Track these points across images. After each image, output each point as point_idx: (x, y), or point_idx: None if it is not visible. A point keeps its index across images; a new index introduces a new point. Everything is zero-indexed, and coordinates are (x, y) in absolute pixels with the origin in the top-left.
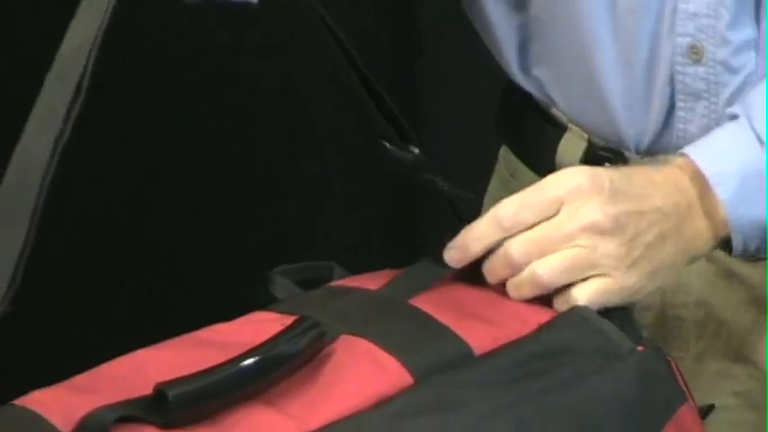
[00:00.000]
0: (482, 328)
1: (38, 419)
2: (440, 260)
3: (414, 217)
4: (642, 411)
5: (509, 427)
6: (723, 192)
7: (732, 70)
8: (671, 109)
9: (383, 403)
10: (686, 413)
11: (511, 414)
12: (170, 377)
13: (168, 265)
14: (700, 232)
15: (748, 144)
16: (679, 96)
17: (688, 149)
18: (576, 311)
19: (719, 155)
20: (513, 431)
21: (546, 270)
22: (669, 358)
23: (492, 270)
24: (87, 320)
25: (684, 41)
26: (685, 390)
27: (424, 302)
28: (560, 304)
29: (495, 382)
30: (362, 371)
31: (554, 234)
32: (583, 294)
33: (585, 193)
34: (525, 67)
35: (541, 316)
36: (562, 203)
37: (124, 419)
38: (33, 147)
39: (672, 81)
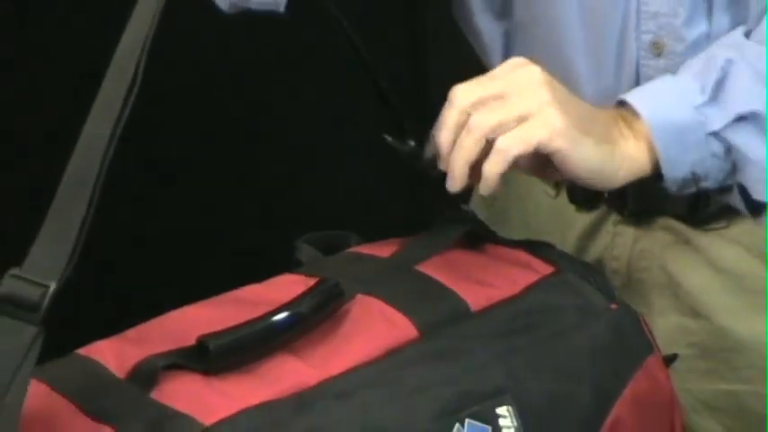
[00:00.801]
0: (478, 289)
1: (97, 366)
2: (442, 232)
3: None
4: (615, 360)
5: (501, 374)
6: (634, 98)
7: None
8: None
9: (393, 353)
10: (653, 362)
11: (503, 362)
12: (210, 330)
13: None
14: (632, 146)
15: (665, 80)
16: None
17: (620, 96)
18: (560, 276)
19: (639, 91)
20: (504, 377)
21: (503, 139)
22: (639, 314)
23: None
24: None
25: (647, 38)
26: (652, 341)
27: (429, 267)
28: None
29: (489, 334)
30: (375, 326)
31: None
32: (510, 140)
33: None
34: None
35: (529, 278)
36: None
37: (171, 367)
38: (95, 134)
39: (637, 73)
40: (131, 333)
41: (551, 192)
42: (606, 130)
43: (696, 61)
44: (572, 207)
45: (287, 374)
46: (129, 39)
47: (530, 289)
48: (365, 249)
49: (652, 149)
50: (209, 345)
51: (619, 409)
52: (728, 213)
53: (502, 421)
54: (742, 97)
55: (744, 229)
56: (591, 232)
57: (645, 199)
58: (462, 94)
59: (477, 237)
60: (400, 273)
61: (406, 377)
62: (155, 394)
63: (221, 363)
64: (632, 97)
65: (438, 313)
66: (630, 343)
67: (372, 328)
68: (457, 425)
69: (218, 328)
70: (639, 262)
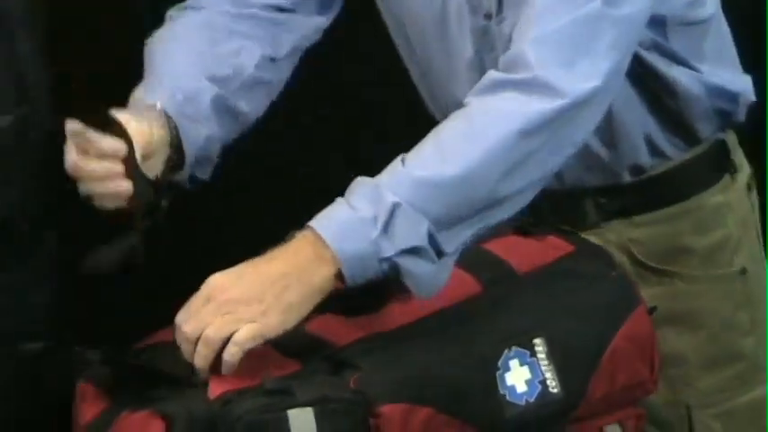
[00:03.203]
0: (521, 258)
1: None
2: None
3: None
4: (615, 309)
5: (537, 316)
6: (325, 232)
7: None
8: None
9: (464, 302)
10: (641, 311)
11: (538, 308)
12: None
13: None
14: (324, 275)
15: (342, 209)
16: None
17: (311, 223)
18: (579, 252)
19: (325, 218)
20: (539, 319)
21: (210, 331)
22: (633, 280)
23: (180, 339)
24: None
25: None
26: (640, 298)
27: (490, 245)
28: (230, 353)
29: (529, 289)
30: (453, 283)
31: (208, 310)
32: (240, 340)
33: (223, 286)
34: None
35: (558, 253)
36: (210, 296)
37: (320, 310)
38: None
39: None
40: None
41: None
42: (304, 292)
43: (368, 191)
44: None
45: (394, 316)
46: None
47: (558, 260)
48: None
49: (339, 272)
50: (344, 296)
51: (617, 342)
52: (601, 221)
53: (537, 348)
54: (405, 236)
55: (614, 230)
56: None
57: (533, 213)
58: (187, 323)
59: (523, 228)
60: (471, 248)
61: (473, 318)
62: (308, 327)
63: (352, 308)
64: (321, 228)
65: (494, 274)
66: (626, 298)
67: (451, 285)
68: (506, 350)
69: None
70: None
